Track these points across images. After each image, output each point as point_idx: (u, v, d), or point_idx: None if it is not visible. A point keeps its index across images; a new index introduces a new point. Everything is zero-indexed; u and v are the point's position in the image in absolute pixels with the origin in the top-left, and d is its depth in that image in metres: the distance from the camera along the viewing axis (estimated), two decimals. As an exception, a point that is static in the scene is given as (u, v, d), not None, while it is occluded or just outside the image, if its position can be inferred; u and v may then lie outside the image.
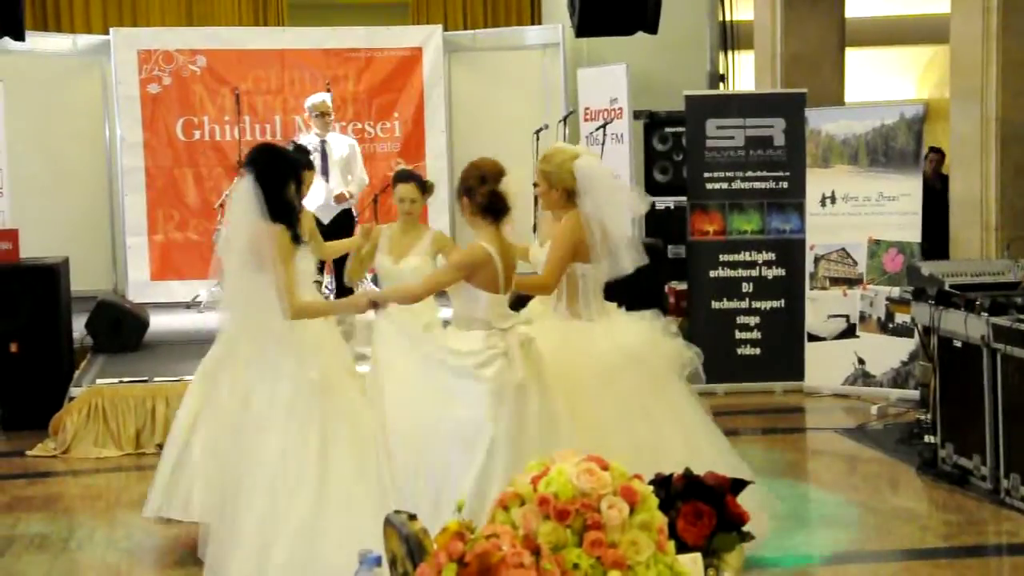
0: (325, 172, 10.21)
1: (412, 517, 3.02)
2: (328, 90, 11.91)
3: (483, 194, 5.43)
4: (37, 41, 12.73)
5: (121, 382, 8.68)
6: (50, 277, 9.24)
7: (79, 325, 9.91)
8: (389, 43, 13.53)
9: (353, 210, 10.73)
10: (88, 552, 6.40)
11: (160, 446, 8.30)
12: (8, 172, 11.27)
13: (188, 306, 12.24)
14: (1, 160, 11.19)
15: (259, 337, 5.53)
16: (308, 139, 10.31)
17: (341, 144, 10.69)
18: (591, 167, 5.97)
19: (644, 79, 12.48)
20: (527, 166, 11.58)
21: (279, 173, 5.57)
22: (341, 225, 10.06)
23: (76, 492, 7.62)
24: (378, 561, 2.93)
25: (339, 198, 10.32)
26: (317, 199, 9.77)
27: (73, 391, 8.67)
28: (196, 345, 10.15)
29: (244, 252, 5.47)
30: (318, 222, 9.78)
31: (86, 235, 13.00)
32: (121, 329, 10.03)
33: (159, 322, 10.96)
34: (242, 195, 5.50)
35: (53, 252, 10.04)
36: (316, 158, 9.88)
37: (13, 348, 9.02)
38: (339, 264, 8.69)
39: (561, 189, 5.91)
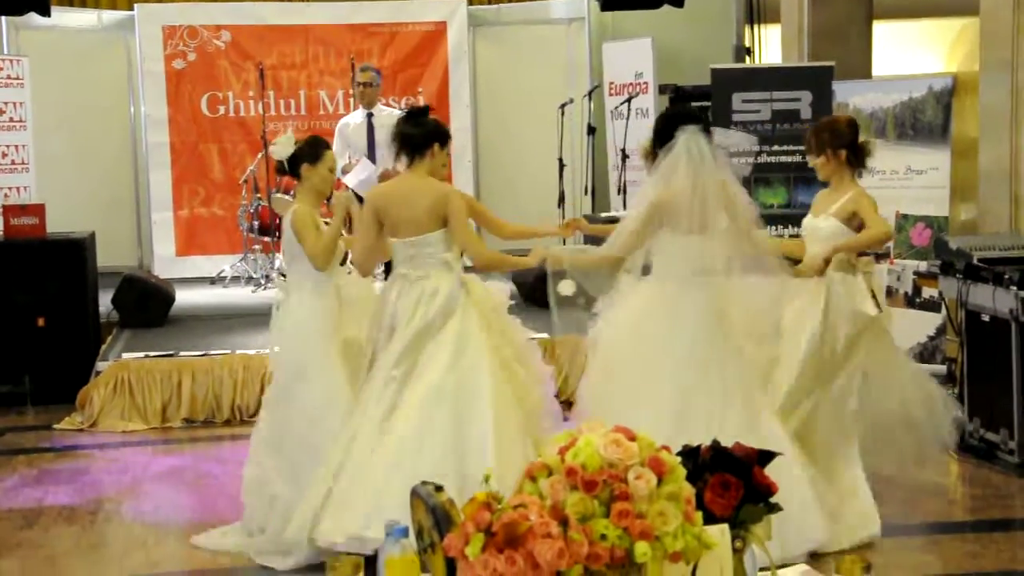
0: (371, 148, 9.70)
1: (439, 488, 3.01)
2: (352, 64, 11.87)
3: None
4: (62, 17, 12.75)
5: (147, 356, 8.72)
6: (76, 252, 9.28)
7: (105, 300, 9.95)
8: (413, 17, 13.51)
9: None
10: (115, 524, 6.44)
11: (187, 420, 8.37)
12: (34, 147, 11.34)
13: (213, 281, 12.27)
14: (27, 135, 11.25)
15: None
16: (354, 116, 10.04)
17: (389, 119, 9.51)
18: None
19: (669, 53, 12.41)
20: (552, 141, 11.63)
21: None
22: None
23: (103, 465, 7.66)
24: (405, 532, 2.92)
25: (384, 177, 9.50)
26: (362, 177, 9.50)
27: (100, 365, 8.71)
28: (221, 320, 10.27)
29: (716, 212, 5.40)
30: (362, 201, 9.62)
31: (111, 211, 13.04)
32: (147, 304, 10.07)
33: (184, 297, 11.00)
34: (702, 152, 5.40)
35: (79, 228, 10.07)
36: (362, 134, 9.69)
37: (40, 322, 9.06)
38: None
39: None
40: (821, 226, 5.99)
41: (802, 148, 9.68)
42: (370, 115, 9.81)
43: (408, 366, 5.50)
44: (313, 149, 5.97)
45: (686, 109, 5.79)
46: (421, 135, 5.66)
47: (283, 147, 5.94)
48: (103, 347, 9.27)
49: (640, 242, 5.52)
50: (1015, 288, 6.75)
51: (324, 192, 6.09)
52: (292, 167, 5.98)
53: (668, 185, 5.41)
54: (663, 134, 5.51)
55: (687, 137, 5.40)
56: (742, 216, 5.46)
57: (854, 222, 5.91)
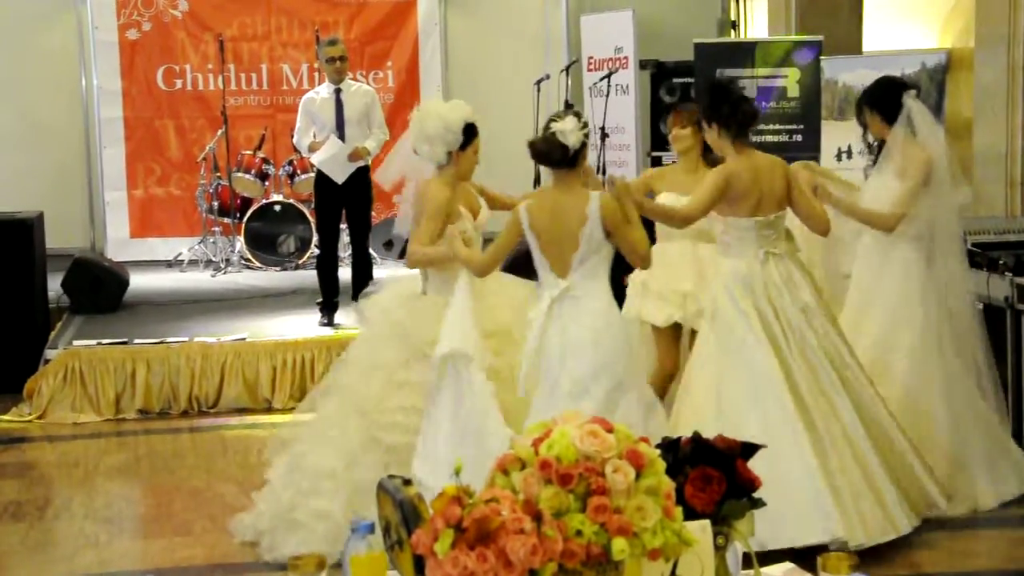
0: (340, 126, 9.43)
1: (406, 482, 3.00)
2: (317, 37, 11.80)
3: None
4: (9, -16, 12.68)
5: (99, 344, 8.67)
6: (23, 233, 9.22)
7: (55, 284, 9.89)
8: (381, -12, 13.47)
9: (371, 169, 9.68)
10: (65, 521, 6.40)
11: (142, 411, 8.33)
12: (-22, 122, 11.26)
13: (169, 265, 12.22)
14: (-29, 110, 11.17)
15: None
16: (320, 90, 9.94)
17: (358, 94, 9.71)
18: None
19: (651, 26, 12.41)
20: (527, 118, 11.61)
21: None
22: (358, 185, 9.43)
23: (52, 459, 7.63)
24: (371, 528, 2.91)
25: (354, 155, 9.36)
26: (330, 154, 9.39)
27: (49, 353, 8.65)
28: (178, 306, 10.23)
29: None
30: (331, 182, 9.57)
31: (62, 190, 12.95)
32: (99, 289, 10.02)
33: (139, 281, 10.96)
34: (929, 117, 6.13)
35: (26, 207, 9.98)
36: (330, 110, 9.60)
37: (-15, 308, 9.02)
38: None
39: None
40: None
41: (790, 127, 9.82)
42: (338, 90, 9.73)
43: (814, 341, 5.66)
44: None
45: (897, 77, 6.47)
46: (754, 113, 5.99)
47: (575, 132, 5.13)
48: (52, 334, 9.22)
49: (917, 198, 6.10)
50: (1010, 274, 6.77)
51: None
52: (576, 154, 5.18)
53: (925, 146, 6.08)
54: (889, 100, 6.14)
55: (914, 102, 6.09)
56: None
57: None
